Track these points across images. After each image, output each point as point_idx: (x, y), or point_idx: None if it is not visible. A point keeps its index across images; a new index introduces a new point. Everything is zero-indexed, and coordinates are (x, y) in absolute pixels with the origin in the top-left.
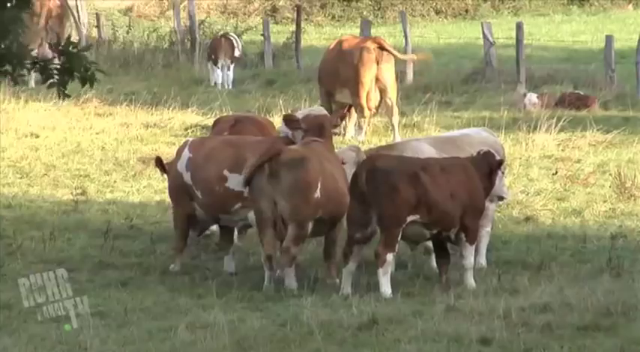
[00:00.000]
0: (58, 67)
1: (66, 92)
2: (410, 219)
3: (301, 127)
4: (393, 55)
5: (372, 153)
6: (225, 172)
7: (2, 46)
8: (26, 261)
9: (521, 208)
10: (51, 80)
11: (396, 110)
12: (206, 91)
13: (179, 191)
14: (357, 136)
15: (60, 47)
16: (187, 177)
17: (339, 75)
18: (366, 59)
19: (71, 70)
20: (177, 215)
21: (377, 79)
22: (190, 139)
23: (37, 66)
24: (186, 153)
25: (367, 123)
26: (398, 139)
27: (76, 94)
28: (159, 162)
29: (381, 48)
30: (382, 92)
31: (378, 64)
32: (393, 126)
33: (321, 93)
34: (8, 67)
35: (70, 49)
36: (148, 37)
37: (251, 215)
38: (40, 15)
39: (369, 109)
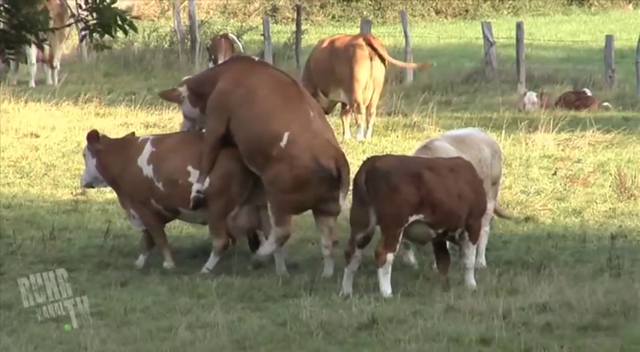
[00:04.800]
0: (96, 22)
1: (106, 44)
2: (413, 218)
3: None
4: (380, 56)
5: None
6: (189, 168)
7: (25, 13)
8: (26, 261)
9: (521, 208)
10: (95, 34)
11: (374, 110)
12: None
13: (139, 187)
14: (357, 136)
15: (90, 5)
16: (149, 170)
17: (334, 73)
18: (360, 56)
19: (107, 23)
20: (145, 213)
21: (369, 76)
22: (151, 137)
23: (79, 23)
24: (148, 148)
25: (365, 121)
26: (368, 138)
27: (76, 94)
28: (93, 135)
29: (370, 46)
30: (371, 89)
31: (371, 60)
32: (367, 124)
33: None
34: (30, 36)
35: (99, 4)
36: (149, 37)
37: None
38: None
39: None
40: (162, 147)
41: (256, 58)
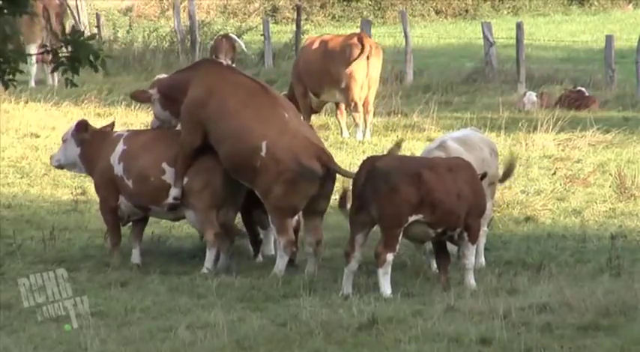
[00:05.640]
0: (67, 55)
1: (74, 81)
2: (412, 218)
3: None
4: (360, 55)
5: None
6: (164, 165)
7: (1, 49)
8: (26, 261)
9: (521, 208)
10: (62, 67)
11: (371, 108)
12: None
13: (107, 184)
14: (356, 135)
15: (66, 37)
16: (119, 168)
17: (328, 74)
18: (356, 55)
19: (79, 59)
20: (105, 210)
21: (366, 75)
22: (125, 133)
23: (49, 54)
24: (120, 147)
25: (363, 120)
26: (368, 137)
27: (76, 94)
28: (82, 125)
29: (362, 45)
30: (367, 88)
31: (367, 59)
32: (365, 123)
33: (297, 94)
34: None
35: (76, 38)
36: (149, 37)
37: (188, 214)
38: (40, 15)
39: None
40: (134, 144)
41: (224, 62)
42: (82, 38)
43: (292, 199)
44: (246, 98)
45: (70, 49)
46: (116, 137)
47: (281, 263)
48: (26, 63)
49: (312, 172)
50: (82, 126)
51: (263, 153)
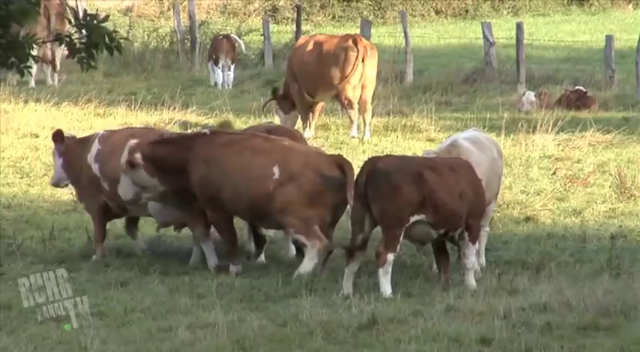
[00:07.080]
0: (84, 40)
1: (92, 64)
2: (414, 219)
3: None
4: (355, 59)
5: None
6: None
7: (8, 36)
8: (26, 261)
9: (521, 208)
10: (78, 54)
11: (369, 107)
12: (206, 91)
13: (90, 182)
14: (351, 132)
15: (80, 21)
16: (95, 168)
17: (324, 76)
18: (352, 57)
19: (95, 42)
20: (92, 206)
21: (361, 76)
22: (100, 132)
23: (64, 41)
24: (95, 146)
25: (362, 119)
26: (367, 137)
27: (76, 94)
28: (58, 136)
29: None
30: (362, 88)
31: (362, 61)
32: (364, 122)
33: (293, 92)
34: (14, 59)
35: (90, 21)
36: (148, 37)
37: (151, 205)
38: (42, 15)
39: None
40: (108, 144)
41: (205, 130)
42: (95, 21)
43: (319, 209)
44: (240, 148)
45: (84, 33)
46: (93, 137)
47: (309, 265)
48: (33, 48)
49: (338, 180)
50: (58, 137)
51: (276, 176)
